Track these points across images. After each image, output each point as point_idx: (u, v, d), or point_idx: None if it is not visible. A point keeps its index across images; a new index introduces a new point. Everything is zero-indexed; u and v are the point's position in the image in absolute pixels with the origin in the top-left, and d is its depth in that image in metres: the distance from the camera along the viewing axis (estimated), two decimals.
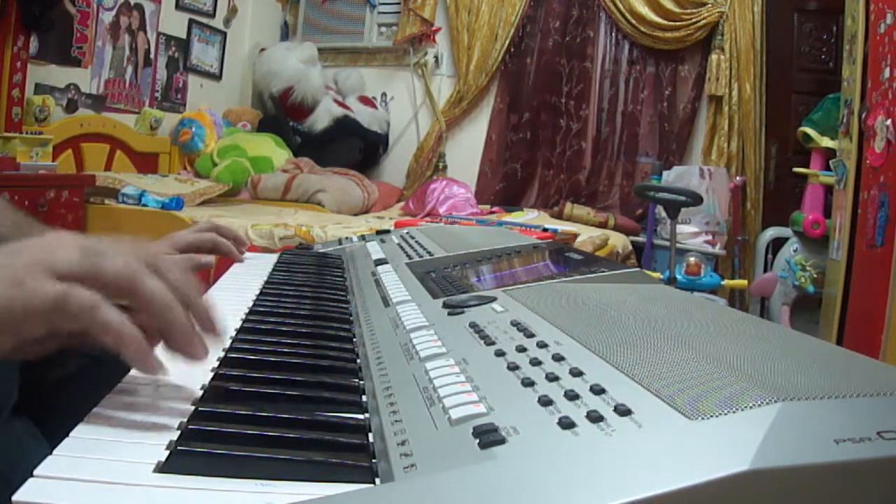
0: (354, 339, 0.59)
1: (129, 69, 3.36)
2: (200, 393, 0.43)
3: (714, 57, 3.46)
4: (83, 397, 0.41)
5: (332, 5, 4.22)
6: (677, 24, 3.53)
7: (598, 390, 0.36)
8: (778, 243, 3.31)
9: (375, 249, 1.03)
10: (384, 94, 4.19)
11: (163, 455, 0.34)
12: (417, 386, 0.42)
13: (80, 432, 0.36)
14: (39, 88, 2.86)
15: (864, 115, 2.19)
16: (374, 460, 0.36)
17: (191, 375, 0.45)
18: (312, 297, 0.74)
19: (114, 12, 3.24)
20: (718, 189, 3.21)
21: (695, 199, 2.53)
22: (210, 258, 0.88)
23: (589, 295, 0.57)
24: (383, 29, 4.14)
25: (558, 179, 3.87)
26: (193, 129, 3.48)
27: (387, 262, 0.90)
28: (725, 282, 2.84)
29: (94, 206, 2.65)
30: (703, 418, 0.30)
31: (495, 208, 3.53)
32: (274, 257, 1.02)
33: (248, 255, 1.02)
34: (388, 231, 1.22)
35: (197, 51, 3.79)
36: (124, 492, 0.31)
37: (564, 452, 0.30)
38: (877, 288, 2.00)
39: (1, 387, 0.52)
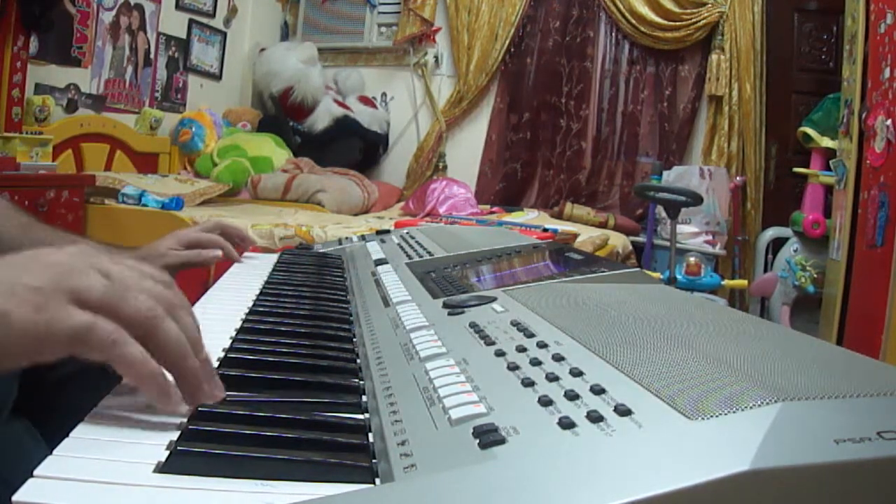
0: (354, 339, 0.59)
1: (129, 69, 3.36)
2: None
3: (714, 57, 3.46)
4: (83, 397, 0.41)
5: (332, 5, 4.22)
6: (677, 24, 3.53)
7: (598, 390, 0.36)
8: (778, 243, 3.31)
9: (375, 249, 1.03)
10: (384, 94, 4.19)
11: (163, 455, 0.34)
12: (417, 386, 0.42)
13: (80, 432, 0.36)
14: (39, 88, 2.86)
15: (864, 115, 2.19)
16: (374, 460, 0.36)
17: None
18: (312, 297, 0.74)
19: (114, 12, 3.24)
20: (718, 189, 3.21)
21: (695, 199, 2.53)
22: (217, 252, 0.89)
23: (589, 295, 0.57)
24: (383, 29, 4.14)
25: (558, 179, 3.87)
26: (193, 129, 3.48)
27: (387, 262, 0.90)
28: (725, 282, 2.84)
29: (94, 206, 2.65)
30: (703, 418, 0.30)
31: (495, 208, 3.53)
32: (274, 257, 1.02)
33: (247, 254, 1.02)
34: (388, 231, 1.22)
35: (197, 51, 3.79)
36: (124, 492, 0.31)
37: (564, 452, 0.30)
38: (877, 288, 2.00)
39: (1, 387, 0.52)
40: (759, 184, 3.48)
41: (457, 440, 0.34)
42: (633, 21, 3.60)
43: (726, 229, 3.30)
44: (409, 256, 0.92)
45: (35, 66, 2.78)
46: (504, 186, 3.93)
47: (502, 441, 0.32)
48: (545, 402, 0.35)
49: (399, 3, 4.01)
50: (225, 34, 3.97)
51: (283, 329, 0.60)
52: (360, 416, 0.42)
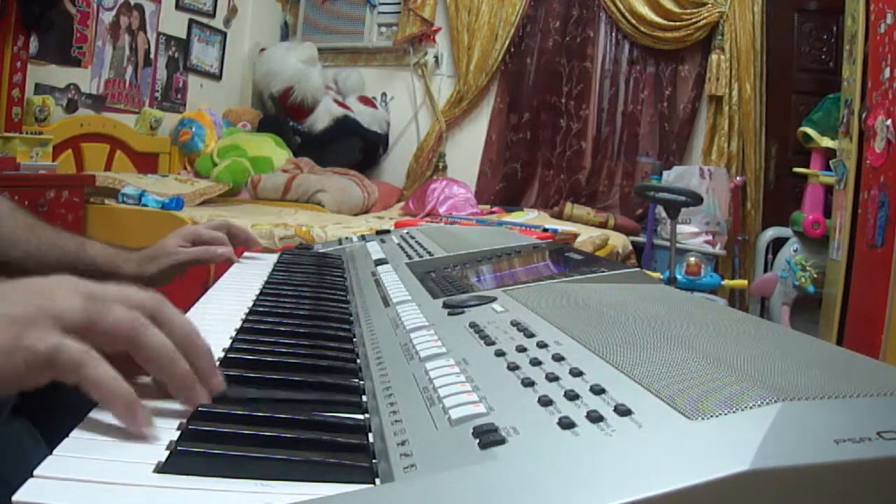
0: (354, 339, 0.59)
1: (129, 69, 3.36)
2: None
3: (714, 57, 3.46)
4: (83, 398, 0.41)
5: (332, 5, 4.22)
6: (677, 24, 3.53)
7: (598, 390, 0.36)
8: (778, 243, 3.31)
9: (375, 249, 1.03)
10: (384, 94, 4.19)
11: (162, 455, 0.34)
12: (417, 386, 0.42)
13: (80, 432, 0.36)
14: (39, 88, 2.86)
15: (864, 115, 2.19)
16: (374, 460, 0.36)
17: None
18: (312, 297, 0.74)
19: (114, 12, 3.24)
20: (718, 189, 3.21)
21: (695, 199, 2.53)
22: (227, 249, 0.89)
23: (589, 295, 0.57)
24: (383, 29, 4.14)
25: (558, 179, 3.87)
26: (193, 129, 3.48)
27: (387, 262, 0.90)
28: (725, 282, 2.84)
29: (94, 206, 2.65)
30: (703, 418, 0.30)
31: (495, 208, 3.53)
32: (274, 257, 1.02)
33: (247, 254, 1.02)
34: (388, 231, 1.22)
35: (197, 51, 3.79)
36: (124, 492, 0.31)
37: (564, 452, 0.30)
38: (877, 288, 2.00)
39: None
40: (759, 184, 3.49)
41: (457, 440, 0.34)
42: (633, 21, 3.60)
43: (726, 229, 3.30)
44: (409, 256, 0.92)
45: (35, 66, 2.78)
46: (504, 186, 3.93)
47: (502, 441, 0.32)
48: (545, 402, 0.35)
49: (399, 3, 4.01)
50: (225, 34, 3.97)
51: (282, 329, 0.60)
52: (360, 416, 0.42)
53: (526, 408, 0.35)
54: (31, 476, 0.31)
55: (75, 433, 0.36)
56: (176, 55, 3.65)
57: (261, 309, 0.66)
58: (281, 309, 0.67)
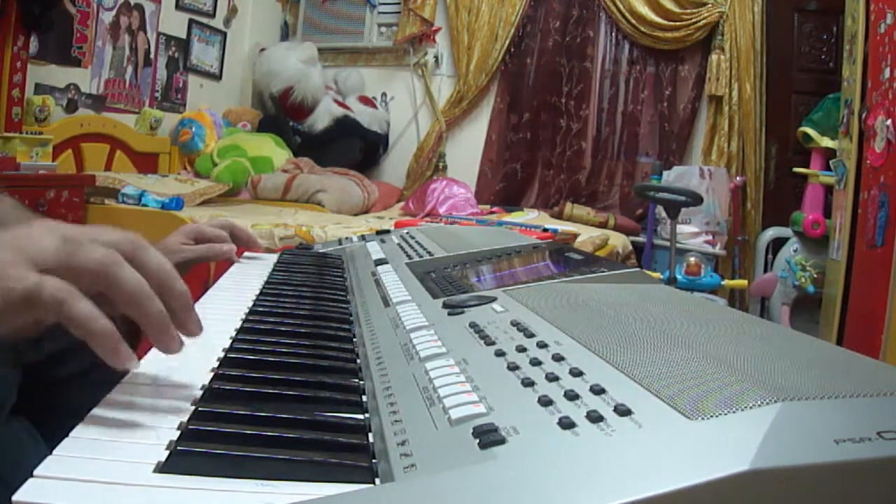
0: (354, 339, 0.59)
1: (129, 69, 3.36)
2: (200, 393, 0.43)
3: (714, 57, 3.46)
4: (83, 397, 0.41)
5: (332, 5, 4.22)
6: (677, 24, 3.53)
7: (598, 390, 0.36)
8: (778, 243, 3.31)
9: (375, 249, 1.03)
10: (384, 94, 4.19)
11: (163, 455, 0.34)
12: (417, 386, 0.42)
13: (80, 432, 0.36)
14: (39, 88, 2.86)
15: (864, 115, 2.19)
16: (374, 460, 0.36)
17: (191, 375, 0.45)
18: (312, 297, 0.74)
19: (114, 12, 3.24)
20: (718, 189, 3.21)
21: (695, 199, 2.53)
22: (230, 246, 0.89)
23: (589, 295, 0.57)
24: (383, 29, 4.14)
25: (558, 179, 3.87)
26: (193, 129, 3.48)
27: (387, 262, 0.90)
28: (725, 282, 2.84)
29: (94, 206, 2.65)
30: (703, 418, 0.30)
31: (495, 208, 3.53)
32: (274, 257, 1.02)
33: (247, 254, 1.02)
34: (388, 231, 1.22)
35: (197, 51, 3.79)
36: (124, 492, 0.31)
37: (564, 452, 0.30)
38: (877, 288, 2.00)
39: (1, 387, 0.52)
40: (759, 184, 3.49)
41: (457, 440, 0.34)
42: (633, 21, 3.60)
43: (726, 229, 3.30)
44: (409, 256, 0.92)
45: (35, 66, 2.78)
46: (504, 186, 3.93)
47: (502, 441, 0.32)
48: (545, 402, 0.35)
49: (399, 3, 4.01)
50: (225, 34, 3.97)
51: (283, 329, 0.60)
52: (360, 416, 0.42)
53: (526, 408, 0.35)
54: (31, 476, 0.31)
55: (75, 433, 0.36)
56: (176, 55, 3.65)
57: (261, 309, 0.66)
58: (281, 309, 0.67)
